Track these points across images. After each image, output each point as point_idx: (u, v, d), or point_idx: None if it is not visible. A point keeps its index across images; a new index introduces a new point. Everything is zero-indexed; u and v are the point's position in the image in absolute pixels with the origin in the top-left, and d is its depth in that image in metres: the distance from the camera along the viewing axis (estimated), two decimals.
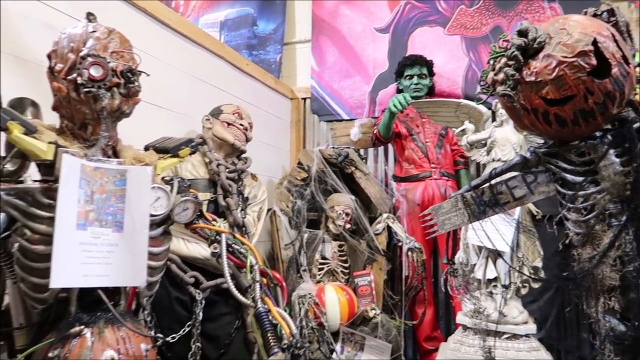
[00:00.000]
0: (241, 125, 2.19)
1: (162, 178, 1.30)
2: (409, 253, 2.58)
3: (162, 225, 1.21)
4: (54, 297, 1.06)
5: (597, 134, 1.26)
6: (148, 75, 1.20)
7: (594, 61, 1.14)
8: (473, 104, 2.47)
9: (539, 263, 2.04)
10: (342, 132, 3.37)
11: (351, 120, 3.43)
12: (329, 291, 2.43)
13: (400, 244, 2.64)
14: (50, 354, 1.02)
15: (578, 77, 1.15)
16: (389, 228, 2.72)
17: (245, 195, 2.15)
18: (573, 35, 1.17)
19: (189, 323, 1.86)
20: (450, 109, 2.55)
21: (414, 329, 2.83)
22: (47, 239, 1.01)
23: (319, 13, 3.68)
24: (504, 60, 1.26)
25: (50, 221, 1.01)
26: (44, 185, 1.05)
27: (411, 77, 3.03)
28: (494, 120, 2.32)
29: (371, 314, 2.40)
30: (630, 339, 1.19)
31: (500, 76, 1.26)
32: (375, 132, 3.00)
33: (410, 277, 2.59)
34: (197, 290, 1.91)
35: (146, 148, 1.29)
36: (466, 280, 1.85)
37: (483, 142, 2.28)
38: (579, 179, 1.27)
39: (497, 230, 1.48)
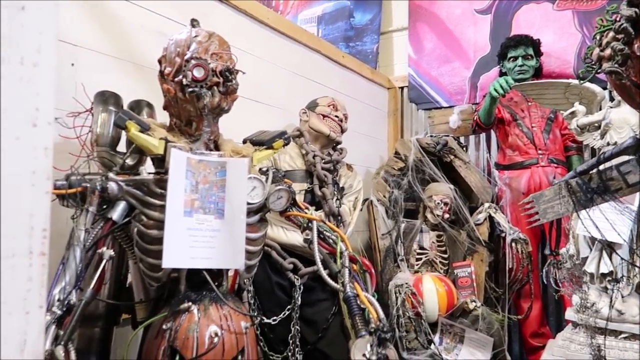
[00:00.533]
0: (336, 116, 2.24)
1: (259, 169, 1.39)
2: (513, 244, 2.46)
3: (259, 212, 1.29)
4: (166, 276, 1.19)
5: None
6: (244, 73, 1.28)
7: None
8: (585, 83, 2.27)
9: None
10: (441, 119, 3.29)
11: (450, 107, 3.33)
12: (427, 281, 2.40)
13: (503, 234, 2.53)
14: (164, 326, 1.15)
15: None
16: (491, 218, 2.62)
17: (341, 185, 2.20)
18: None
19: (288, 307, 1.95)
20: (559, 90, 2.37)
21: (519, 325, 2.69)
22: (160, 225, 1.14)
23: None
24: (611, 34, 1.15)
25: (162, 208, 1.14)
26: (156, 177, 1.18)
27: (515, 58, 2.86)
28: (611, 100, 2.12)
29: (471, 306, 2.34)
30: None
31: (607, 52, 1.16)
32: (475, 118, 2.89)
33: (514, 269, 2.48)
34: (296, 276, 2.00)
35: (244, 141, 1.39)
36: (571, 274, 1.73)
37: (596, 124, 2.09)
38: None
39: (607, 219, 1.37)
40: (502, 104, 2.86)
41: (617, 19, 1.14)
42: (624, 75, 1.13)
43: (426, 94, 3.49)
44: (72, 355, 0.96)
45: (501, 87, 2.55)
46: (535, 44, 2.88)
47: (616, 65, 1.13)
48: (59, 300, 1.02)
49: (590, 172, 1.35)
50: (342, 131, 2.29)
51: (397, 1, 3.76)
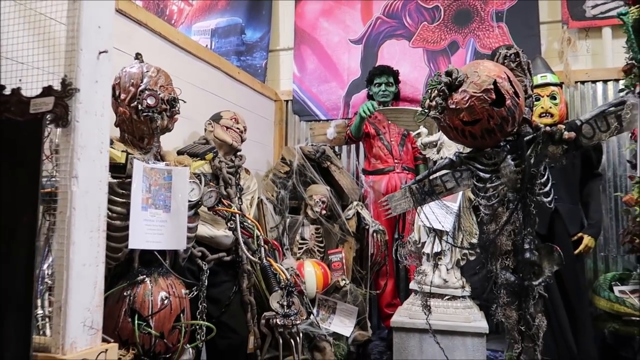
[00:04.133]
0: (238, 128, 2.67)
1: (195, 174, 1.79)
2: (374, 234, 3.11)
3: (194, 208, 1.70)
4: (124, 256, 1.55)
5: (501, 144, 1.79)
6: (185, 102, 1.68)
7: (493, 96, 1.66)
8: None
9: (474, 240, 2.60)
10: (320, 131, 3.83)
11: (328, 120, 3.92)
12: (308, 266, 2.94)
13: (367, 227, 3.17)
14: (124, 293, 1.51)
15: (483, 106, 1.66)
16: (358, 214, 3.24)
17: (240, 186, 2.64)
18: (481, 77, 1.68)
19: (195, 287, 2.32)
20: (410, 115, 3.07)
21: (377, 297, 3.38)
22: (122, 217, 1.49)
23: (300, 25, 4.15)
24: (435, 92, 1.77)
25: (124, 205, 1.49)
26: (119, 180, 1.53)
27: (380, 84, 3.52)
28: None
29: (342, 283, 2.92)
30: (517, 286, 1.74)
31: (433, 103, 1.78)
32: (348, 132, 3.51)
33: (374, 254, 3.13)
34: (204, 262, 2.38)
35: (179, 153, 1.78)
36: (412, 253, 2.40)
37: (434, 143, 2.82)
38: (487, 175, 1.80)
39: (433, 212, 2.02)
40: (369, 121, 3.53)
41: (440, 80, 1.76)
42: (441, 120, 1.75)
43: (308, 107, 4.06)
44: None
45: (368, 109, 3.21)
46: (395, 74, 3.59)
47: (437, 113, 1.75)
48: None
49: (424, 180, 1.98)
50: (242, 141, 2.72)
51: (284, 24, 4.26)
